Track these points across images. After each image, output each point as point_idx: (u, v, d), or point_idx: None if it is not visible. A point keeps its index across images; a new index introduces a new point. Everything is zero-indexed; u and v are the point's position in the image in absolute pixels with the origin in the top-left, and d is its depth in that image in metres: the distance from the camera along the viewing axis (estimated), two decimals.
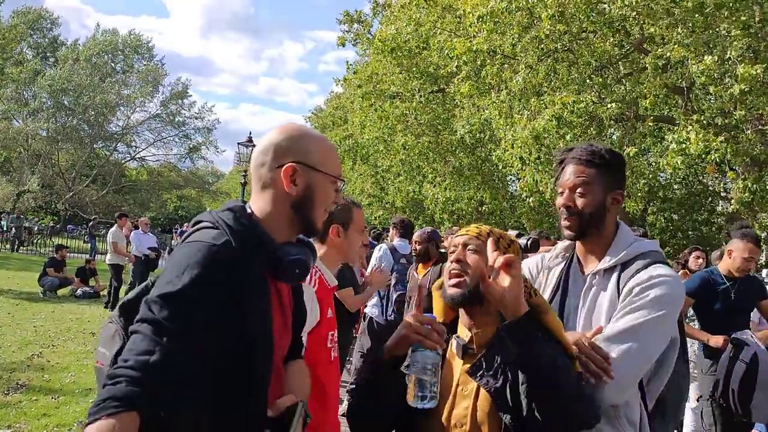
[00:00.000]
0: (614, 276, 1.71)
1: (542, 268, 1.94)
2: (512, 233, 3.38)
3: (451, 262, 1.55)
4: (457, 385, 1.56)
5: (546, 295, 1.85)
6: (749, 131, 8.72)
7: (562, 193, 1.79)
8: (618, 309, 1.63)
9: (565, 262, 1.89)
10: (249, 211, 1.39)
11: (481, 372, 1.48)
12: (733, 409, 3.49)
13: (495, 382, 1.45)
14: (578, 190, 1.74)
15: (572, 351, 1.49)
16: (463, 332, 1.61)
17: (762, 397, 3.42)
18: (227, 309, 1.21)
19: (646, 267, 1.66)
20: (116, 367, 1.07)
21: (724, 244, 6.06)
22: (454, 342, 1.59)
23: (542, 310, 1.50)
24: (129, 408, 1.01)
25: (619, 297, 1.66)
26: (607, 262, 1.73)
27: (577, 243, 1.84)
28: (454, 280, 1.53)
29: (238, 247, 1.24)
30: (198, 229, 1.31)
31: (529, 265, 1.98)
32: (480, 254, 1.53)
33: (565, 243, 1.91)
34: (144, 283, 1.43)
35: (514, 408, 1.41)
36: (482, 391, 1.49)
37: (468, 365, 1.53)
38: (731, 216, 9.70)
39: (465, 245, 1.56)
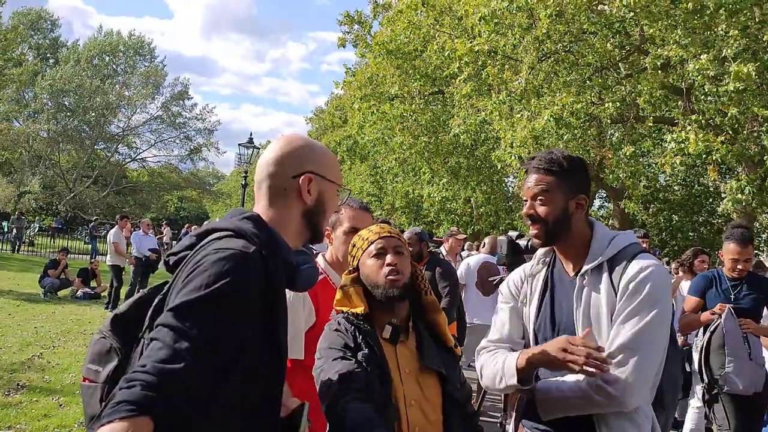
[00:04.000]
0: (604, 274, 1.75)
1: (526, 277, 1.97)
2: (513, 234, 3.40)
3: (388, 265, 1.79)
4: (398, 367, 1.73)
5: (534, 301, 1.90)
6: (745, 132, 8.75)
7: (526, 201, 1.84)
8: (618, 309, 1.69)
9: (546, 267, 1.93)
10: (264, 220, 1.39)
11: (421, 355, 1.77)
12: (705, 379, 3.72)
13: (434, 363, 1.75)
14: (538, 199, 1.79)
15: (451, 342, 1.85)
16: (375, 320, 1.82)
17: (716, 361, 3.66)
18: (258, 316, 1.20)
19: (632, 259, 1.73)
20: (133, 371, 1.05)
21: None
22: (387, 327, 1.78)
23: (432, 309, 1.86)
24: (142, 412, 0.99)
25: (616, 294, 1.71)
26: (593, 261, 1.77)
27: (556, 247, 1.88)
28: (394, 279, 1.77)
29: (267, 256, 1.24)
30: (218, 237, 1.27)
31: (513, 278, 2.01)
32: (406, 256, 1.84)
33: (544, 249, 1.94)
34: (138, 295, 1.41)
35: (451, 382, 1.74)
36: (423, 370, 1.74)
37: (403, 347, 1.78)
38: (728, 217, 9.71)
39: (396, 249, 1.81)
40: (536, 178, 1.81)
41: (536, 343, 1.88)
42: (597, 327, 1.72)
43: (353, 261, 1.88)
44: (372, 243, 1.83)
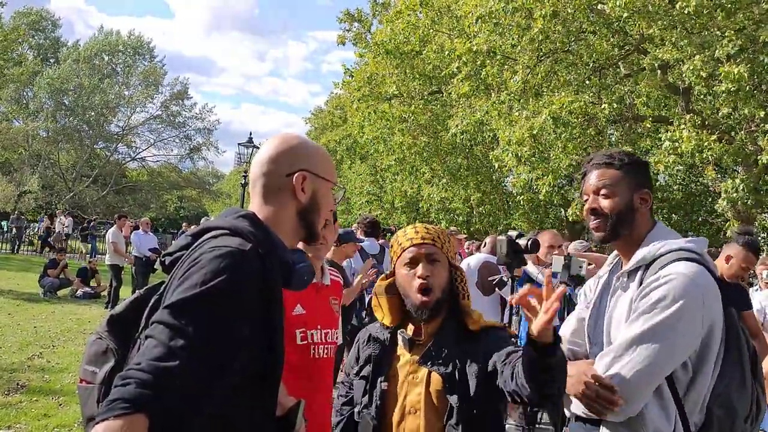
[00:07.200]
0: (637, 276, 1.66)
1: (597, 279, 1.92)
2: (512, 234, 3.40)
3: (419, 277, 1.70)
4: (408, 374, 1.72)
5: (591, 304, 1.85)
6: (743, 132, 8.77)
7: (586, 199, 1.76)
8: (632, 309, 1.60)
9: (611, 269, 1.87)
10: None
11: (431, 360, 1.70)
12: None
13: (445, 368, 1.67)
14: (602, 192, 1.72)
15: (482, 325, 1.72)
16: (406, 326, 1.79)
17: None
18: (254, 314, 1.20)
19: (665, 265, 1.59)
20: (128, 369, 1.05)
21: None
22: (399, 337, 1.77)
23: (466, 312, 1.75)
24: (137, 410, 0.99)
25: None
26: (630, 263, 1.68)
27: (616, 246, 1.80)
28: (425, 300, 1.70)
29: (263, 254, 1.24)
30: (214, 236, 1.27)
31: (589, 283, 1.97)
32: (441, 263, 1.73)
33: (616, 252, 1.87)
34: (134, 295, 1.41)
35: (461, 389, 1.63)
36: (432, 377, 1.69)
37: (416, 355, 1.73)
38: (725, 217, 9.72)
39: (429, 257, 1.72)
40: (598, 173, 1.73)
41: (590, 346, 1.80)
42: (616, 332, 1.64)
43: (391, 264, 1.84)
44: (404, 251, 1.75)
